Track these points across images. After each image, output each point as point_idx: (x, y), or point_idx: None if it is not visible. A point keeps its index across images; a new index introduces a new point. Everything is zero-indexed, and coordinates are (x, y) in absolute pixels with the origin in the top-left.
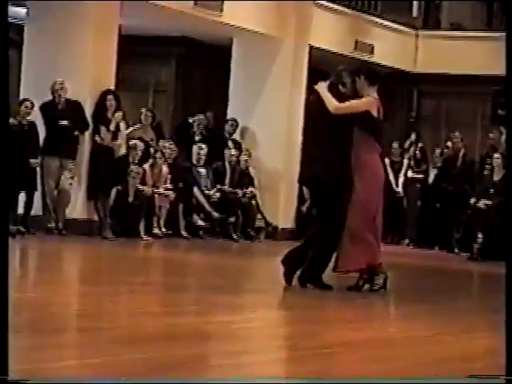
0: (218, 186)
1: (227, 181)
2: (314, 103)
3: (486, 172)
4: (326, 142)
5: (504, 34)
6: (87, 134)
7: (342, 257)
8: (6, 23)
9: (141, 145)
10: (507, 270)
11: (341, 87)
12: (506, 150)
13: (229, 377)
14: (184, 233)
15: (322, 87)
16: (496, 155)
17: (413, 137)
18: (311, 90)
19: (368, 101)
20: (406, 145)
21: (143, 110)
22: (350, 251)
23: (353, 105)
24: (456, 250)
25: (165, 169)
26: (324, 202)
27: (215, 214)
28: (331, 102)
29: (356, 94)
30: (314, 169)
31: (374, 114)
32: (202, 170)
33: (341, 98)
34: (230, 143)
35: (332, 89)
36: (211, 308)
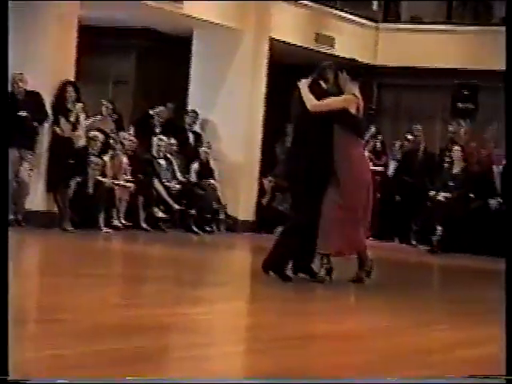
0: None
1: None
2: (295, 101)
3: (445, 165)
4: (307, 139)
5: (464, 27)
6: (47, 125)
7: (324, 240)
8: (6, 22)
9: (100, 136)
10: (507, 266)
11: (323, 83)
12: (465, 144)
13: (190, 369)
14: (144, 225)
15: (302, 84)
16: (455, 148)
17: (372, 129)
18: (293, 87)
19: (345, 98)
20: (366, 137)
21: (103, 101)
22: (334, 236)
23: (330, 102)
24: (413, 243)
25: (125, 160)
26: (299, 197)
27: (175, 206)
28: (309, 100)
29: (339, 90)
30: (294, 165)
31: (352, 111)
32: (163, 162)
33: (322, 94)
34: (190, 135)
35: (314, 85)
36: (172, 300)
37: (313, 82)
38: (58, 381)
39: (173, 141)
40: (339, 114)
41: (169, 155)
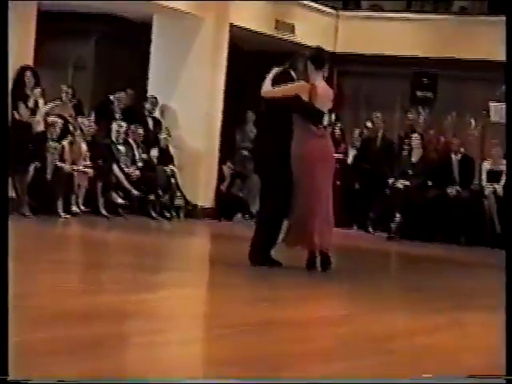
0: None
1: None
2: None
3: (404, 152)
4: (271, 127)
5: (424, 15)
6: None
7: (291, 234)
8: (6, 22)
9: (59, 121)
10: (507, 262)
11: (292, 73)
12: (424, 131)
13: (149, 355)
14: (103, 211)
15: (270, 73)
16: (414, 135)
17: (332, 117)
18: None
19: (297, 85)
20: (325, 125)
21: (63, 86)
22: (299, 231)
23: (281, 89)
24: (370, 230)
25: (84, 146)
26: (265, 186)
27: (135, 192)
28: (264, 86)
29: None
30: (260, 153)
31: (305, 98)
32: (122, 148)
33: (288, 83)
34: (150, 121)
35: (283, 74)
36: (131, 286)
37: (283, 71)
38: (58, 381)
39: (141, 130)
40: (291, 100)
41: (131, 141)
